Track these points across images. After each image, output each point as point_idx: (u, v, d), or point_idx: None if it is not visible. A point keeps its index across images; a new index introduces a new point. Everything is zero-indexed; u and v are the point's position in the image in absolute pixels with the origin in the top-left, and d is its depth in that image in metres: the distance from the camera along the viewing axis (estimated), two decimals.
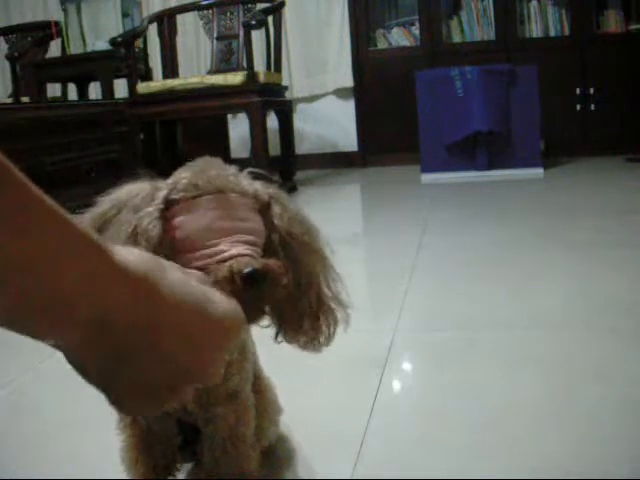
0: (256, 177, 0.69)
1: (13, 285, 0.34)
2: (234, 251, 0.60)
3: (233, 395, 0.74)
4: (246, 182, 0.66)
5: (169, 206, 0.63)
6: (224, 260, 0.59)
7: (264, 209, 0.66)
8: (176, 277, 0.43)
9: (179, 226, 0.61)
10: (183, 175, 0.64)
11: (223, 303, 0.47)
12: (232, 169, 0.67)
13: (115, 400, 0.44)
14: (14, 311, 0.36)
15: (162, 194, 0.63)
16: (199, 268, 0.58)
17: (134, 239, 0.61)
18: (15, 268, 0.34)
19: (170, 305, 0.42)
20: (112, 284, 0.39)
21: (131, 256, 0.41)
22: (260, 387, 0.84)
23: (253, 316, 0.62)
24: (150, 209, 0.62)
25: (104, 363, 0.41)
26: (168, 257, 0.60)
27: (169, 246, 0.61)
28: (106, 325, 0.39)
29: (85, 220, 0.64)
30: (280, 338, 0.71)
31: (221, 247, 0.60)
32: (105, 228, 0.64)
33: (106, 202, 0.65)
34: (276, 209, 0.67)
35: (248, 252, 0.60)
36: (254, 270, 0.58)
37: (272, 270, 0.60)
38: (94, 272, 0.38)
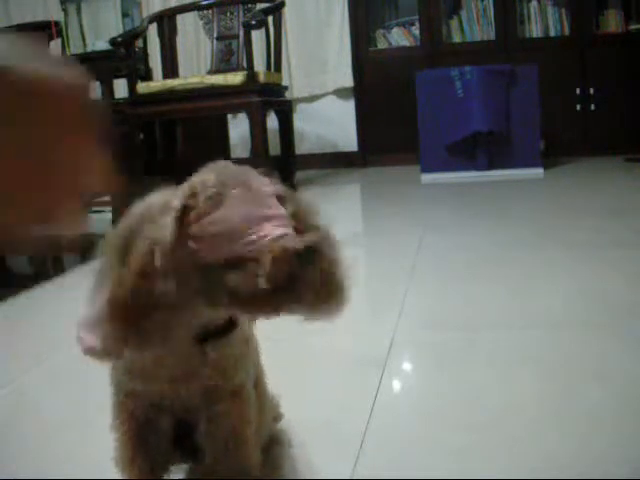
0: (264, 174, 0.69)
1: None
2: (279, 231, 0.60)
3: (237, 392, 0.74)
4: (259, 176, 0.66)
5: (187, 211, 0.62)
6: (274, 240, 0.59)
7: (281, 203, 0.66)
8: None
9: (211, 222, 0.60)
10: (204, 176, 0.64)
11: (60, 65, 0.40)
12: (246, 167, 0.67)
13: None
14: None
15: (177, 202, 0.62)
16: (250, 258, 0.58)
17: (151, 253, 0.61)
18: None
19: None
20: None
21: None
22: (259, 386, 0.84)
23: (310, 296, 0.61)
24: (164, 220, 0.62)
25: None
26: (188, 261, 0.60)
27: (188, 250, 0.60)
28: None
29: (112, 236, 0.64)
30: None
31: (266, 231, 0.59)
32: (132, 242, 0.63)
33: (129, 216, 0.65)
34: (289, 207, 0.66)
35: (292, 232, 0.60)
36: (307, 244, 0.59)
37: (318, 242, 0.61)
38: None
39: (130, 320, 0.62)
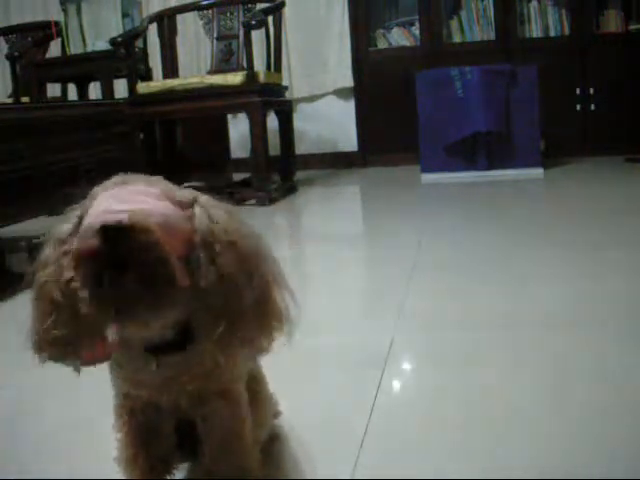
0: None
1: None
2: (105, 217, 0.57)
3: (225, 392, 0.74)
4: (168, 186, 0.65)
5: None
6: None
7: (188, 210, 0.64)
8: None
9: (86, 218, 0.62)
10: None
11: None
12: (162, 182, 0.66)
13: None
14: None
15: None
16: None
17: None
18: None
19: None
20: None
21: None
22: (258, 385, 0.84)
23: (125, 298, 0.58)
24: (69, 220, 0.65)
25: None
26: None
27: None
28: None
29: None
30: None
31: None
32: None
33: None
34: (197, 210, 0.64)
35: (118, 210, 0.57)
36: (114, 223, 0.55)
37: (134, 224, 0.56)
38: None
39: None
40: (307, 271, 2.13)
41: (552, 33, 4.17)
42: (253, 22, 3.22)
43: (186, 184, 3.60)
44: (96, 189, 0.65)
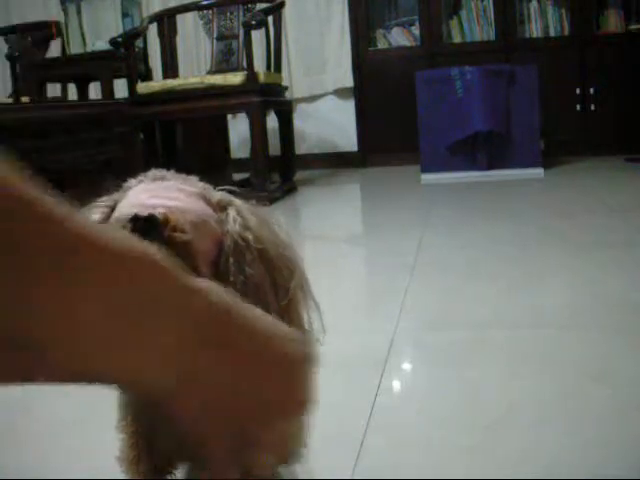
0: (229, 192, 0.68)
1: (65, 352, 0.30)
2: (137, 209, 0.57)
3: None
4: (204, 186, 0.66)
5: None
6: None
7: (221, 212, 0.64)
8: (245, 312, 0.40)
9: (117, 209, 0.62)
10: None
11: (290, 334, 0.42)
12: (197, 182, 0.66)
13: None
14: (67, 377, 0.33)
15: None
16: None
17: None
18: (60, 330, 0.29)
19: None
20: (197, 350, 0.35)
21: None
22: None
23: None
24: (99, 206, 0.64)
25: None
26: None
27: None
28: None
29: None
30: None
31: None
32: None
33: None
34: (231, 213, 0.64)
35: (152, 204, 0.57)
36: (147, 214, 0.55)
37: (168, 219, 0.56)
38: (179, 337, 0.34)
39: None
40: (307, 271, 2.13)
41: (552, 33, 4.17)
42: (253, 22, 3.22)
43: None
44: (131, 181, 0.65)
